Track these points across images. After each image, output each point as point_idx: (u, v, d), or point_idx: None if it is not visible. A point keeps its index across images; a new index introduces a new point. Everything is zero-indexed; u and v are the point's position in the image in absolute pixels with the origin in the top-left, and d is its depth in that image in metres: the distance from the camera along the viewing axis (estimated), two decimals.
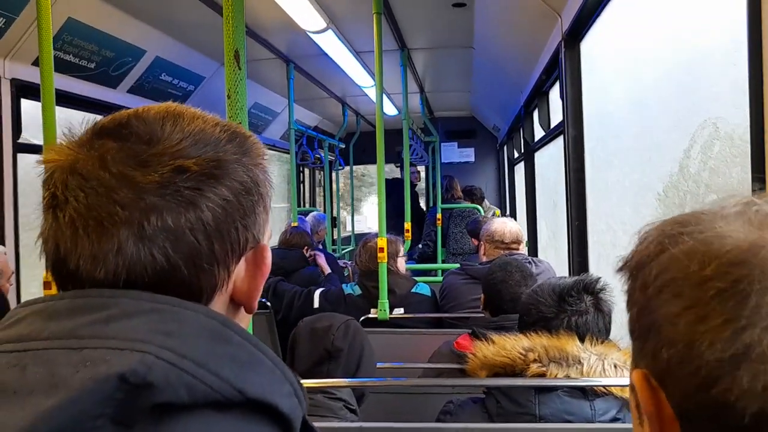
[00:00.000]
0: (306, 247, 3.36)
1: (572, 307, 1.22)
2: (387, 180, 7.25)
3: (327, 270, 3.40)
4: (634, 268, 0.43)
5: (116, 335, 0.41)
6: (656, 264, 0.40)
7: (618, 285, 0.46)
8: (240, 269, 0.50)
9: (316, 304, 2.54)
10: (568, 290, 1.24)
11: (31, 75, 2.34)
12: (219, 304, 0.49)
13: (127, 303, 0.43)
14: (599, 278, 1.25)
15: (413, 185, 5.71)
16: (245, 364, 0.43)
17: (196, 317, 0.44)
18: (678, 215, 0.42)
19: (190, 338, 0.42)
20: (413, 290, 2.54)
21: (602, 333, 1.23)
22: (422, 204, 7.30)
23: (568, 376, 1.14)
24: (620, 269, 0.45)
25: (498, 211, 5.29)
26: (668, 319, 0.37)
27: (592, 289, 1.24)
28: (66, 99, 2.60)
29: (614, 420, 1.14)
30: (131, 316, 0.42)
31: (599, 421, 1.13)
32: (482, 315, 1.97)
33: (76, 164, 0.45)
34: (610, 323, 1.24)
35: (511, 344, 1.18)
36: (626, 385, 1.08)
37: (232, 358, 0.42)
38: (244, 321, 0.53)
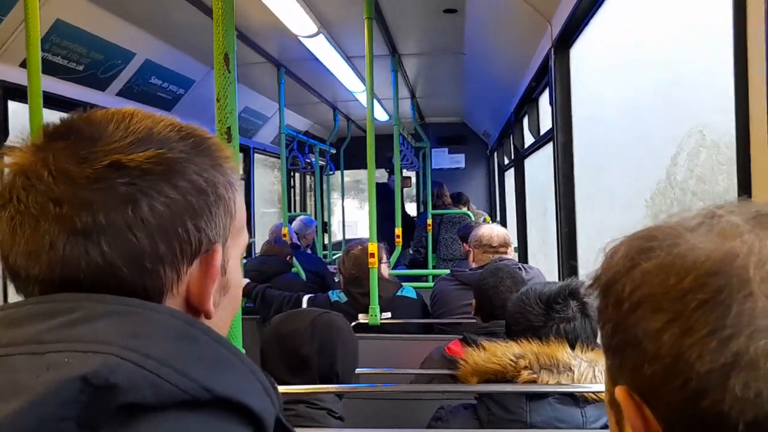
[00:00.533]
0: (288, 256, 3.38)
1: (560, 314, 1.22)
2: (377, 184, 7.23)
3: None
4: (605, 285, 0.43)
5: (81, 338, 0.40)
6: (629, 280, 0.40)
7: None
8: (193, 271, 0.48)
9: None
10: (555, 297, 1.24)
11: (18, 77, 2.31)
12: (171, 305, 0.47)
13: (91, 306, 0.42)
14: (584, 283, 1.25)
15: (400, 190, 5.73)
16: (213, 363, 0.42)
17: (161, 317, 0.43)
18: (642, 230, 0.42)
19: (155, 338, 0.41)
20: (398, 293, 2.53)
21: (590, 338, 1.23)
22: (408, 209, 7.30)
23: (559, 383, 1.15)
24: (590, 286, 0.45)
25: (489, 218, 5.32)
26: (649, 334, 0.37)
27: (578, 295, 1.24)
28: (54, 101, 2.57)
29: (605, 427, 1.14)
30: (95, 319, 0.41)
31: (590, 428, 1.13)
32: (473, 321, 1.98)
33: (25, 166, 0.46)
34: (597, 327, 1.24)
35: (502, 351, 1.18)
36: None
37: (199, 358, 0.42)
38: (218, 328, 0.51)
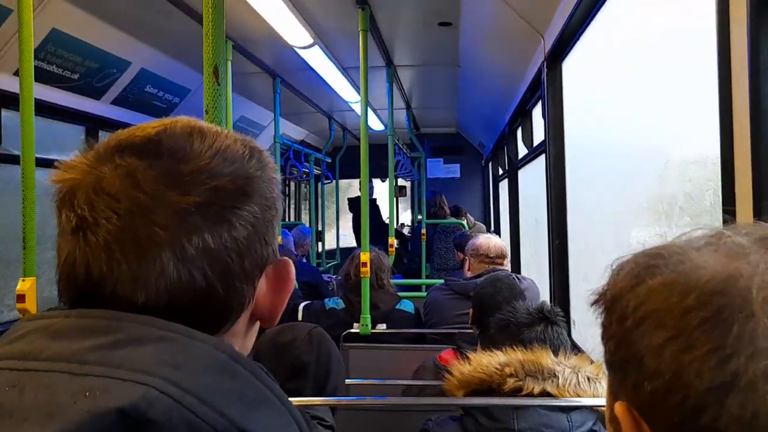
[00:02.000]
0: None
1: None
2: (351, 199, 7.27)
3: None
4: (610, 301, 0.43)
5: (122, 364, 0.39)
6: (633, 296, 0.40)
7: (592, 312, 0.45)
8: (262, 285, 0.49)
9: (299, 317, 2.54)
10: (521, 327, 1.29)
11: (13, 85, 2.31)
12: (243, 320, 0.48)
13: (135, 328, 0.41)
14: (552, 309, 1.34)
15: (374, 200, 5.79)
16: (252, 403, 0.41)
17: (206, 349, 0.42)
18: (649, 248, 0.42)
19: (197, 372, 0.40)
20: (397, 307, 2.54)
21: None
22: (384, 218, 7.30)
23: (544, 390, 1.16)
24: (595, 302, 0.45)
25: (484, 228, 5.33)
26: (651, 350, 0.37)
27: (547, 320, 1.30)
28: (49, 110, 2.58)
29: (591, 431, 1.15)
30: (139, 343, 0.40)
31: None
32: (467, 330, 1.98)
33: (101, 183, 0.43)
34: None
35: (488, 360, 1.19)
36: (602, 406, 1.10)
37: (239, 396, 0.41)
38: (253, 336, 0.52)
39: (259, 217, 0.47)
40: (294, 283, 0.51)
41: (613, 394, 0.42)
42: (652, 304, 0.38)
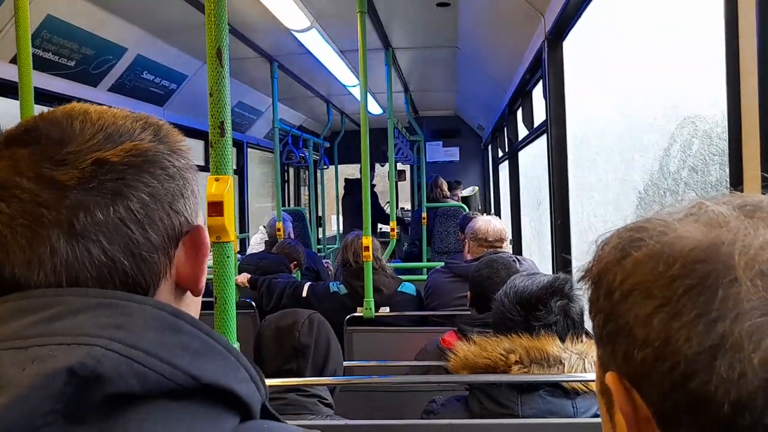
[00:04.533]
0: (295, 262, 3.34)
1: (539, 322, 1.20)
2: (349, 180, 7.21)
3: None
4: (596, 275, 0.44)
5: (62, 332, 0.40)
6: (620, 269, 0.41)
7: None
8: (180, 254, 0.50)
9: (304, 294, 2.58)
10: (535, 301, 1.20)
11: (9, 73, 2.30)
12: (165, 291, 0.49)
13: (72, 300, 0.42)
14: (568, 281, 1.22)
15: (372, 185, 5.76)
16: (198, 352, 0.43)
17: (144, 309, 0.43)
18: (632, 222, 0.43)
19: (140, 329, 0.42)
20: (399, 289, 2.56)
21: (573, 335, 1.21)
22: (382, 204, 7.28)
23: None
24: (582, 278, 0.46)
25: (476, 188, 5.41)
26: (640, 320, 0.38)
27: (563, 293, 1.21)
28: (45, 97, 2.56)
29: (596, 416, 1.15)
30: (77, 313, 0.42)
31: (581, 419, 1.14)
32: (468, 312, 1.98)
33: None
34: (581, 324, 1.22)
35: (492, 346, 1.18)
36: None
37: (184, 347, 0.42)
38: (193, 306, 0.53)
39: (156, 186, 0.47)
40: (208, 248, 0.52)
41: (603, 367, 0.43)
42: (639, 276, 0.39)
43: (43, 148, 0.45)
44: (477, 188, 5.71)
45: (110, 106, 0.52)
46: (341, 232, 6.84)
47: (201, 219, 0.54)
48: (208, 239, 0.52)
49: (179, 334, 0.43)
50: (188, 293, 0.52)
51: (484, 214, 3.81)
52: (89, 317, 0.41)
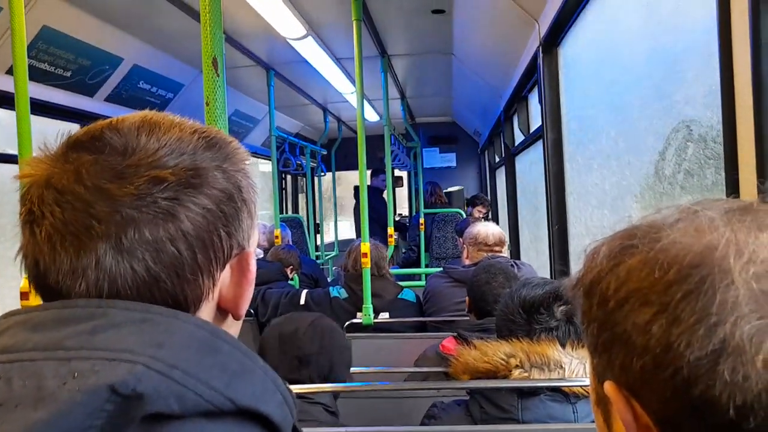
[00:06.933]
0: (291, 267, 3.33)
1: (541, 325, 1.21)
2: (358, 187, 7.18)
3: None
4: (588, 285, 0.43)
5: (104, 346, 0.40)
6: (613, 277, 0.41)
7: None
8: (225, 277, 0.49)
9: (302, 301, 2.56)
10: (538, 305, 1.22)
11: (5, 84, 2.30)
12: (206, 312, 0.49)
13: (115, 313, 0.42)
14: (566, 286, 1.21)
15: (381, 191, 5.75)
16: (235, 374, 0.43)
17: (186, 327, 0.43)
18: (622, 230, 0.43)
19: (180, 348, 0.42)
20: (399, 296, 2.56)
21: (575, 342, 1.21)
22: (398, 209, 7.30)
23: (550, 380, 1.15)
24: (573, 288, 0.45)
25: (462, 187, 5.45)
26: (638, 328, 0.38)
27: (567, 299, 1.21)
28: (41, 108, 2.56)
29: None
30: (120, 327, 0.41)
31: (582, 424, 1.13)
32: (467, 318, 1.98)
33: (51, 179, 0.45)
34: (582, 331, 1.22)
35: (493, 350, 1.18)
36: None
37: (223, 368, 0.42)
38: (233, 328, 0.53)
39: (212, 209, 0.47)
40: (254, 275, 0.52)
41: (599, 377, 0.43)
42: (634, 283, 0.39)
43: (106, 158, 0.45)
44: (462, 187, 5.74)
45: (109, 117, 0.52)
46: (338, 239, 6.84)
47: (254, 240, 0.53)
48: (254, 265, 0.52)
49: (218, 355, 0.43)
50: (229, 316, 0.52)
51: (482, 219, 3.81)
52: (131, 332, 0.41)
